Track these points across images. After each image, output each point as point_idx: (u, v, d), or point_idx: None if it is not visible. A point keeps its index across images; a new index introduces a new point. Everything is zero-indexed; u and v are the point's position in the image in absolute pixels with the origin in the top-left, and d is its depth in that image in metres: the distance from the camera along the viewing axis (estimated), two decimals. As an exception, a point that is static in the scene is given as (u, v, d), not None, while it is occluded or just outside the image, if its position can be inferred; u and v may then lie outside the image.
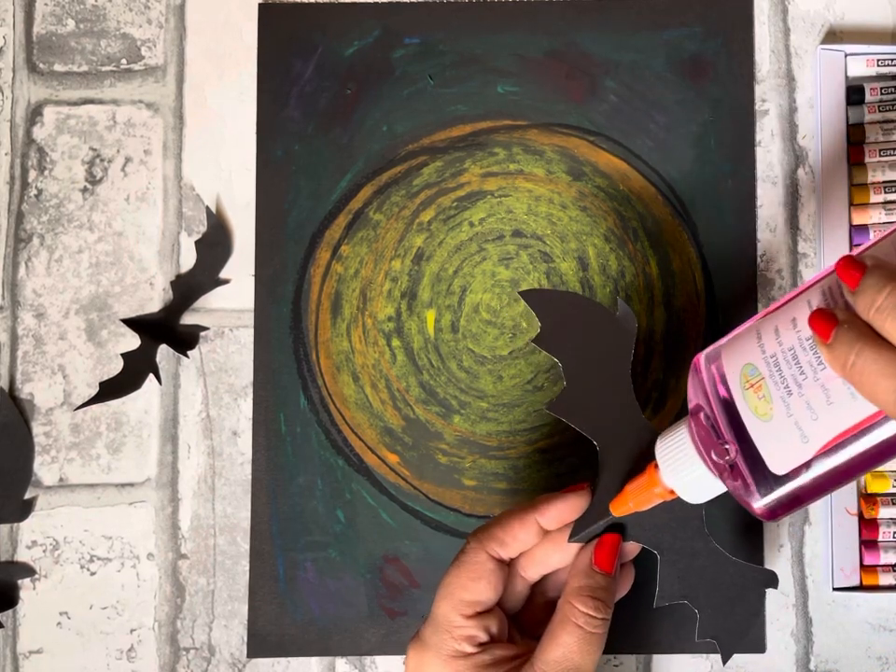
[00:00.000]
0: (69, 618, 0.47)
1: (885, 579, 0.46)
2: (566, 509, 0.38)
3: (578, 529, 0.38)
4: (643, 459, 0.38)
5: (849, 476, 0.32)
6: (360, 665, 0.47)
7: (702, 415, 0.34)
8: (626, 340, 0.40)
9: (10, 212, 0.49)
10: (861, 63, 0.48)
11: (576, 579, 0.38)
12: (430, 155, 0.49)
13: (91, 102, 0.50)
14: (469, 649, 0.37)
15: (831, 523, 0.46)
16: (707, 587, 0.39)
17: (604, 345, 0.40)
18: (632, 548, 0.40)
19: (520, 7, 0.49)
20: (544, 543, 0.39)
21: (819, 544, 0.47)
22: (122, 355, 0.48)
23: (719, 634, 0.40)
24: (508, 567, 0.39)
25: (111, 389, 0.48)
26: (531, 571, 0.40)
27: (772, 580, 0.40)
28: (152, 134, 0.49)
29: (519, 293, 0.43)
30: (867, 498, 0.46)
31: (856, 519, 0.46)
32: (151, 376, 0.48)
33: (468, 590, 0.38)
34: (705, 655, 0.47)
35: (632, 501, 0.37)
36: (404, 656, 0.47)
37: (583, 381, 0.40)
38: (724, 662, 0.40)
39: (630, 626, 0.47)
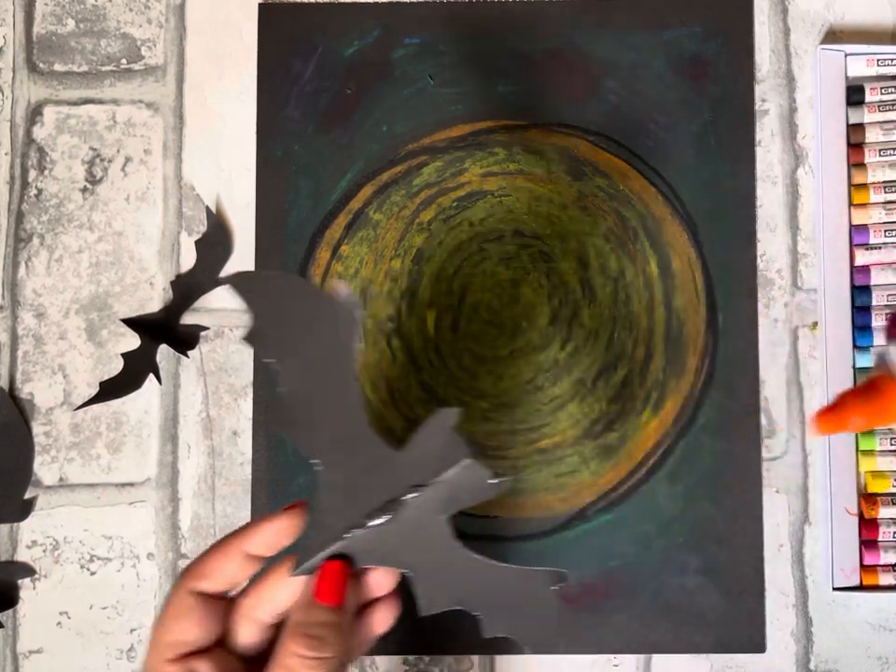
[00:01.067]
0: (69, 618, 0.47)
1: (885, 579, 0.46)
2: (274, 531, 0.34)
3: (301, 560, 0.34)
4: (370, 473, 0.34)
5: None
6: (360, 666, 0.47)
7: None
8: (348, 332, 0.34)
9: (10, 212, 0.49)
10: (861, 62, 0.48)
11: (293, 615, 0.33)
12: (430, 155, 0.49)
13: (91, 102, 0.50)
14: None
15: (831, 523, 0.46)
16: (479, 592, 0.35)
17: (324, 339, 0.34)
18: (385, 579, 0.35)
19: (520, 6, 0.49)
20: (269, 580, 0.34)
21: (818, 544, 0.47)
22: (122, 355, 0.48)
23: (511, 630, 0.35)
24: (226, 602, 0.34)
25: (111, 389, 0.48)
26: (261, 612, 0.34)
27: (560, 576, 0.35)
28: (152, 134, 0.49)
29: (225, 279, 0.36)
30: (867, 498, 0.46)
31: (856, 519, 0.46)
32: (151, 376, 0.48)
33: (168, 630, 0.33)
34: (704, 655, 0.47)
35: (861, 417, 0.30)
36: (404, 656, 0.47)
37: (303, 384, 0.34)
38: (527, 651, 0.37)
39: (630, 626, 0.47)
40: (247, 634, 0.34)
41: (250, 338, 0.34)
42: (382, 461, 0.34)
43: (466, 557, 0.35)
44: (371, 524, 0.34)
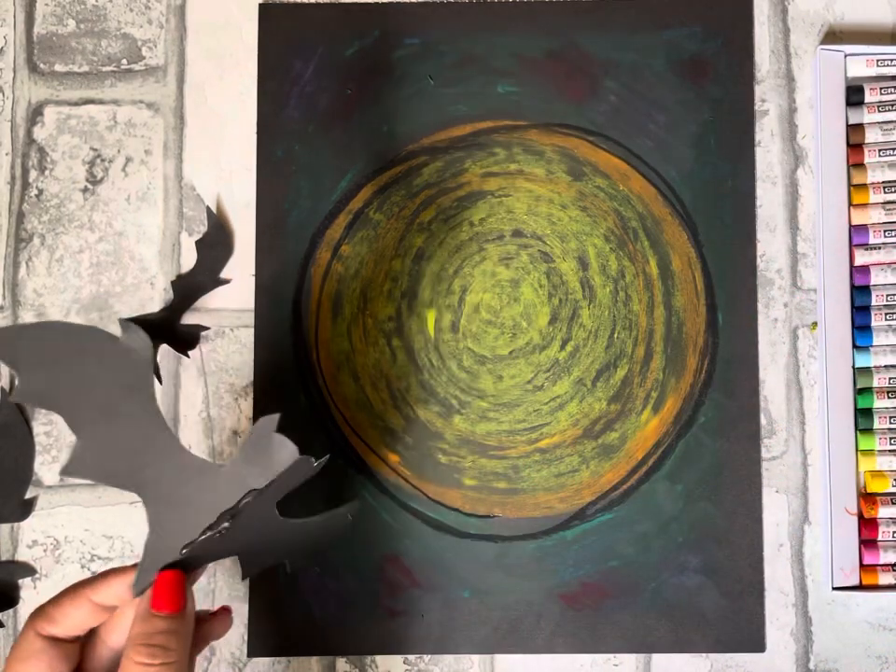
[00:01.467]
0: (70, 617, 0.47)
1: (884, 578, 0.46)
2: (122, 583, 0.35)
3: (139, 585, 0.34)
4: (202, 493, 0.34)
5: None
6: (360, 665, 0.47)
7: None
8: (141, 366, 0.33)
9: (11, 212, 0.49)
10: (861, 63, 0.48)
11: (133, 627, 0.34)
12: (430, 155, 0.49)
13: (92, 102, 0.50)
14: None
15: (830, 522, 0.46)
16: (291, 546, 0.38)
17: (115, 378, 0.33)
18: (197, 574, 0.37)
19: (520, 7, 0.49)
20: (125, 609, 0.35)
21: (818, 544, 0.47)
22: (123, 354, 0.48)
23: (311, 559, 0.39)
24: (77, 642, 0.35)
25: (112, 389, 0.48)
26: (115, 638, 0.35)
27: (355, 507, 0.39)
28: (153, 134, 0.50)
29: None
30: (867, 498, 0.46)
31: (856, 519, 0.46)
32: (152, 376, 0.48)
33: None
34: (704, 655, 0.47)
35: None
36: (404, 656, 0.47)
37: (100, 428, 0.33)
38: (316, 571, 0.39)
39: (630, 626, 0.47)
40: (104, 660, 0.35)
41: (19, 396, 0.32)
42: (212, 479, 0.35)
43: (282, 524, 0.36)
44: (209, 534, 0.34)
